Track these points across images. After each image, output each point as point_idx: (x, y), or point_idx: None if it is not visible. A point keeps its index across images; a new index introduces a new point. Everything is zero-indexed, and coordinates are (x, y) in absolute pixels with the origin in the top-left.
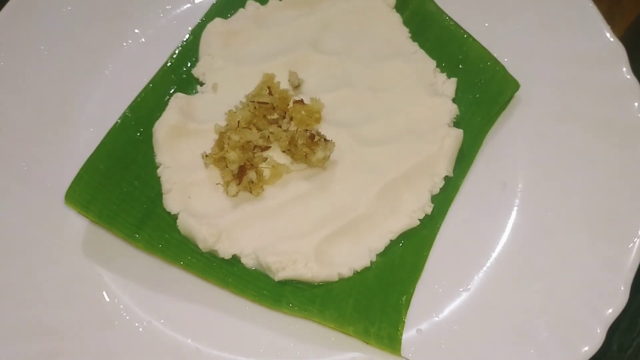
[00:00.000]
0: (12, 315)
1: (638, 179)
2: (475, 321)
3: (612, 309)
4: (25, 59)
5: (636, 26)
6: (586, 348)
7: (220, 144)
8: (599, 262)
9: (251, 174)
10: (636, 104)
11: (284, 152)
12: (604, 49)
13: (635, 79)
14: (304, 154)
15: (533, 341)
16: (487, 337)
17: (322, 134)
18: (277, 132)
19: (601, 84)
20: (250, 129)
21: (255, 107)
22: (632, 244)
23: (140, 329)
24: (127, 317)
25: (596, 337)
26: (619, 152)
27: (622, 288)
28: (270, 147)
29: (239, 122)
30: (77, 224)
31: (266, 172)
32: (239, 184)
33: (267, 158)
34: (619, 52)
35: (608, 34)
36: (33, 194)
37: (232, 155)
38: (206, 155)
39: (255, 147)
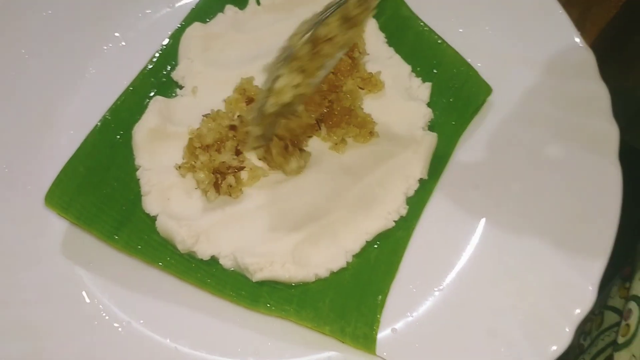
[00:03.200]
0: None
1: (606, 182)
2: (448, 320)
3: (580, 309)
4: (6, 61)
5: (606, 33)
6: (555, 347)
7: (191, 149)
8: (568, 264)
9: (229, 179)
10: (605, 110)
11: (260, 159)
12: (574, 55)
13: (604, 85)
14: (279, 163)
15: (504, 340)
16: (460, 336)
17: (297, 143)
18: None
19: (571, 89)
20: (220, 149)
21: (224, 128)
22: (600, 245)
23: (120, 329)
24: (107, 318)
25: (565, 337)
26: (587, 156)
27: (590, 288)
28: (244, 167)
29: (207, 145)
30: (57, 225)
31: (244, 174)
32: (218, 192)
33: (244, 161)
34: (589, 59)
35: (578, 40)
36: (13, 195)
37: (201, 175)
38: (179, 167)
39: (229, 167)
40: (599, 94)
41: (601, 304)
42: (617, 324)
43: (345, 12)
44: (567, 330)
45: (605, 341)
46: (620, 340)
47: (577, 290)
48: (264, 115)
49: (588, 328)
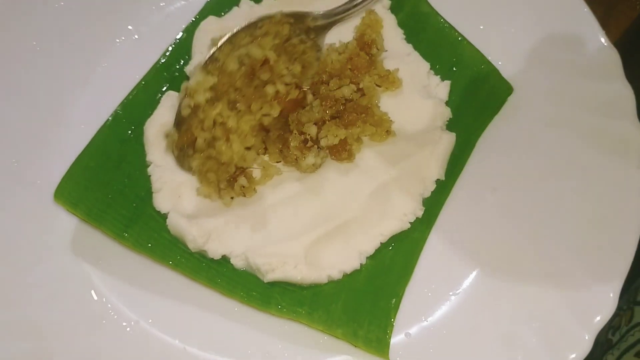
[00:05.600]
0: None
1: (629, 186)
2: (464, 326)
3: (600, 317)
4: (17, 54)
5: (631, 32)
6: (574, 355)
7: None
8: (589, 269)
9: (241, 180)
10: (629, 112)
11: (275, 152)
12: (598, 55)
13: (629, 87)
14: (295, 157)
15: (521, 347)
16: (476, 342)
17: (316, 140)
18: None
19: (595, 90)
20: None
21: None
22: (621, 251)
23: (128, 329)
24: (115, 317)
25: (584, 344)
26: (610, 160)
27: (611, 295)
28: (250, 168)
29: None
30: (67, 221)
31: (256, 173)
32: (232, 197)
33: (255, 158)
34: (614, 59)
35: (603, 40)
36: (23, 190)
37: (211, 176)
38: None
39: (237, 169)
40: (624, 95)
41: (630, 300)
42: None
43: (283, 42)
44: (587, 337)
45: (636, 336)
46: None
47: (598, 296)
48: (182, 119)
49: (616, 323)
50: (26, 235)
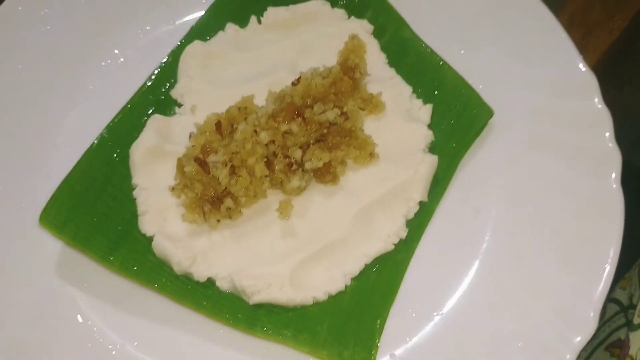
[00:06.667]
0: None
1: (608, 207)
2: (448, 346)
3: (581, 337)
4: (3, 77)
5: (608, 56)
6: None
7: (180, 169)
8: (569, 290)
9: (227, 202)
10: (607, 134)
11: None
12: (576, 78)
13: (606, 109)
14: (280, 180)
15: None
16: None
17: (301, 163)
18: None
19: (573, 112)
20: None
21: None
22: (601, 271)
23: (114, 352)
24: (101, 340)
25: None
26: (589, 180)
27: (592, 315)
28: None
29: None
30: (52, 244)
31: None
32: (219, 220)
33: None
34: (591, 82)
35: (581, 64)
36: (7, 213)
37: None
38: (172, 188)
39: (225, 192)
40: (601, 118)
41: None
42: (618, 313)
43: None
44: (568, 357)
45: (607, 331)
46: (637, 320)
47: (578, 316)
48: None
49: None
50: (11, 258)
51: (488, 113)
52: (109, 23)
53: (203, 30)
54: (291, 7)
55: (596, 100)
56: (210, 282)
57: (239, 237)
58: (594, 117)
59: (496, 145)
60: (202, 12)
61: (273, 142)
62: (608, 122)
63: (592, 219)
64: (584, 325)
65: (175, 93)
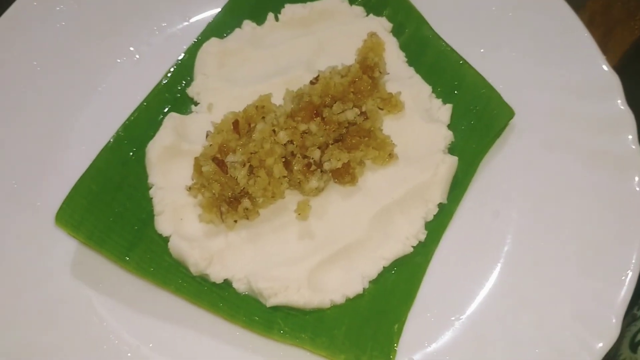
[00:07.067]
0: None
1: (630, 211)
2: (467, 351)
3: (602, 343)
4: (17, 74)
5: (629, 55)
6: None
7: (198, 168)
8: (590, 295)
9: (245, 202)
10: (630, 136)
11: (279, 177)
12: (598, 79)
13: (629, 110)
14: (298, 180)
15: None
16: None
17: (320, 163)
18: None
19: (595, 114)
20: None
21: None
22: (624, 276)
23: (129, 354)
24: (116, 341)
25: None
26: (611, 183)
27: (614, 321)
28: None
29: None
30: (67, 243)
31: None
32: (236, 220)
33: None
34: (614, 83)
35: (603, 65)
36: (22, 212)
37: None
38: (189, 188)
39: (242, 193)
40: (624, 118)
41: None
42: None
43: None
44: None
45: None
46: None
47: (600, 322)
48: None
49: None
50: (26, 258)
51: (509, 113)
52: (124, 19)
53: (220, 27)
54: (309, 4)
55: (619, 101)
56: (226, 283)
57: (255, 238)
58: (617, 118)
59: (516, 146)
60: (218, 9)
61: (292, 142)
62: (631, 124)
63: (613, 223)
64: (606, 331)
65: (191, 91)
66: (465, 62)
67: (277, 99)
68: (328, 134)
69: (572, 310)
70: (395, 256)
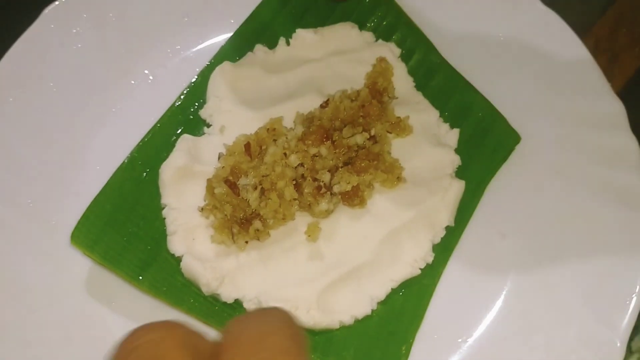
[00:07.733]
0: (13, 355)
1: (635, 237)
2: None
3: None
4: (34, 95)
5: (635, 82)
6: None
7: (210, 190)
8: (596, 319)
9: (256, 223)
10: (634, 163)
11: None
12: (604, 106)
13: (635, 139)
14: (308, 203)
15: None
16: None
17: (329, 186)
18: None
19: (600, 141)
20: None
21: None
22: (628, 300)
23: None
24: None
25: None
26: (616, 210)
27: (619, 345)
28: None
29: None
30: (81, 262)
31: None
32: (247, 242)
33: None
34: (619, 110)
35: (608, 91)
36: (38, 231)
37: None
38: (202, 209)
39: (254, 214)
40: (629, 147)
41: None
42: None
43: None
44: None
45: None
46: None
47: (605, 346)
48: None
49: None
50: (41, 276)
51: (515, 138)
52: (139, 42)
53: (232, 51)
54: (319, 29)
55: (623, 128)
56: (237, 303)
57: (266, 259)
58: (622, 146)
59: (522, 171)
60: (231, 34)
61: (302, 165)
62: (635, 151)
63: (618, 249)
64: (610, 355)
65: (204, 113)
66: (472, 87)
67: (288, 122)
68: (338, 157)
69: (578, 334)
70: (403, 278)
